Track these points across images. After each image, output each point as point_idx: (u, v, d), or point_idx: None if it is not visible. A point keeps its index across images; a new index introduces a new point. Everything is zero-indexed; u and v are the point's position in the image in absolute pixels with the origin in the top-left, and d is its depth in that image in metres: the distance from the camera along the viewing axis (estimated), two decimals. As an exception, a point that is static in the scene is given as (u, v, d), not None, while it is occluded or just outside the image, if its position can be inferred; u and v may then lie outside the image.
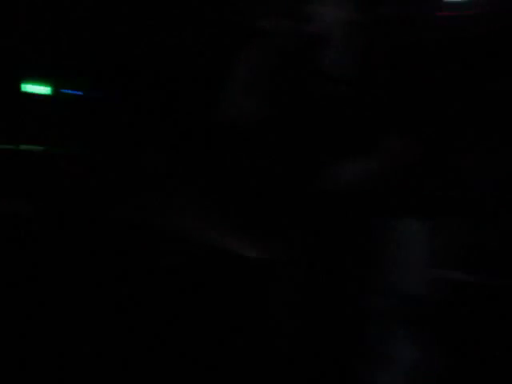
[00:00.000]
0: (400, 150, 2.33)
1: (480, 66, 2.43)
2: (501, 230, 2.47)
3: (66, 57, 2.75)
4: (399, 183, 2.37)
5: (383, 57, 2.21)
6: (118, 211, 2.55)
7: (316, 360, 2.35)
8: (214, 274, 2.47)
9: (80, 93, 2.81)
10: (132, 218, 2.53)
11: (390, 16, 2.04)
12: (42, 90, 2.77)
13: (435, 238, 2.51)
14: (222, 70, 2.28)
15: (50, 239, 2.64)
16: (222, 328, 2.42)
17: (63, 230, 2.64)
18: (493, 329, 2.43)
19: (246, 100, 2.04)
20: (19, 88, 2.69)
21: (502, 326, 2.43)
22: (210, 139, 2.32)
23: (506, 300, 2.45)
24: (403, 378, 2.40)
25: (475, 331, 2.43)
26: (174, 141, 2.57)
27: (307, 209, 2.27)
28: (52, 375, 2.44)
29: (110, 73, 2.75)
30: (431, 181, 2.48)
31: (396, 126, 2.28)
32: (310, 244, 2.35)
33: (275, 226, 2.37)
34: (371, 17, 2.04)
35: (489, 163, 2.50)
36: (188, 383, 2.42)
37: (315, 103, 2.19)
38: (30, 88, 2.74)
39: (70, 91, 2.83)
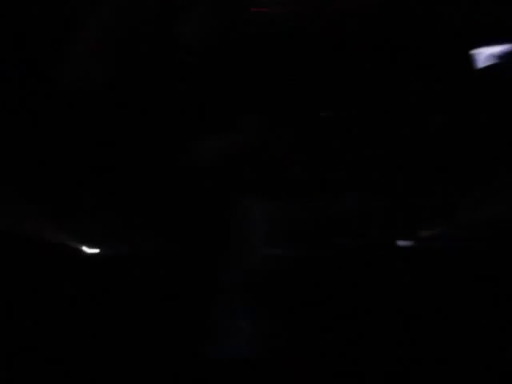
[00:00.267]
0: (254, 128, 2.42)
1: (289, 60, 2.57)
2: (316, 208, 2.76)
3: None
4: (252, 161, 2.46)
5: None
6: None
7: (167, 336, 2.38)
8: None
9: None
10: None
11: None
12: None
13: (272, 214, 2.65)
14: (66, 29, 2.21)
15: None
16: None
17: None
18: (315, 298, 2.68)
19: (92, 63, 1.99)
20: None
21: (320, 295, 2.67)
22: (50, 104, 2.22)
23: (323, 271, 2.70)
24: (243, 349, 2.51)
25: (303, 301, 2.63)
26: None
27: (166, 188, 2.30)
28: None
29: None
30: (278, 161, 2.66)
31: (252, 104, 2.37)
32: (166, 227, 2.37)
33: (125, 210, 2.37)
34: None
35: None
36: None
37: (170, 73, 2.20)
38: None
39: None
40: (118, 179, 2.39)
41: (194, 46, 2.26)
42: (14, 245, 2.38)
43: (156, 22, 2.20)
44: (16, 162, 2.39)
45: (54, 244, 2.36)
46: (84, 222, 2.42)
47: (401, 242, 2.75)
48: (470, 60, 2.77)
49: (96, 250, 2.40)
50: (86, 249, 2.45)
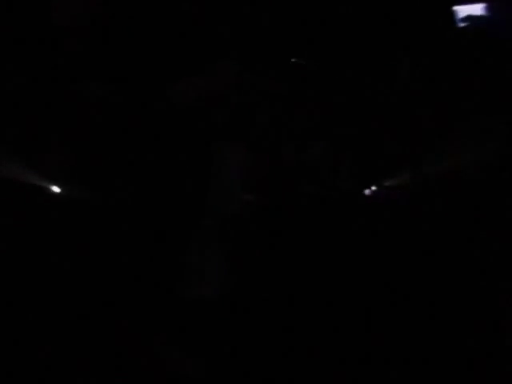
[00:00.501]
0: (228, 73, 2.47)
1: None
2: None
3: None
4: (225, 106, 2.50)
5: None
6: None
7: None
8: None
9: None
10: None
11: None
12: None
13: (245, 161, 2.76)
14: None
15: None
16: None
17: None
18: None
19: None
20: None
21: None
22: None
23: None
24: (216, 288, 2.64)
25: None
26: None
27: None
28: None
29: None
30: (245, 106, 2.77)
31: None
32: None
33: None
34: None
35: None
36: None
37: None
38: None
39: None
40: (93, 121, 2.47)
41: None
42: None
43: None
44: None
45: (21, 183, 2.44)
46: (52, 163, 2.52)
47: (365, 191, 2.81)
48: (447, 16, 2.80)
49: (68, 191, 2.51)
50: (55, 189, 2.53)
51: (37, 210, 2.51)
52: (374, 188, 2.82)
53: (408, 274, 2.63)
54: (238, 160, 2.75)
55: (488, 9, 2.87)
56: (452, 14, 2.87)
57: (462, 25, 2.87)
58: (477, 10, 2.89)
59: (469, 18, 2.86)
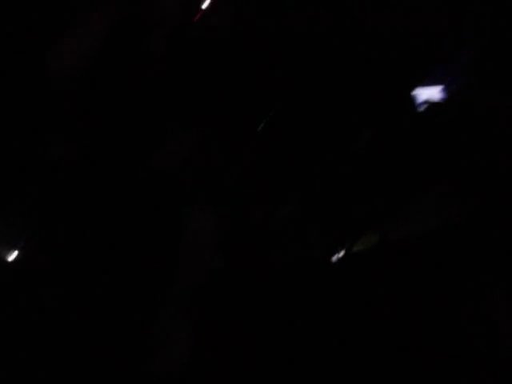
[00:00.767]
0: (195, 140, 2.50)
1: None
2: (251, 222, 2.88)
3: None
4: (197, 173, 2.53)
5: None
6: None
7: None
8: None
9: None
10: None
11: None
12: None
13: (217, 227, 2.76)
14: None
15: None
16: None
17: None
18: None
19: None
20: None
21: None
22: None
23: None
24: (180, 361, 2.53)
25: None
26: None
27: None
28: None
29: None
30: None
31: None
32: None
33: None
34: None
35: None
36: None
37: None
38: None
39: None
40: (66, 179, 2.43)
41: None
42: None
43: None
44: None
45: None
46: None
47: (333, 257, 2.82)
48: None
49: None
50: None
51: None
52: (341, 254, 2.82)
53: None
54: (206, 226, 2.74)
55: (444, 91, 3.09)
56: (412, 96, 3.09)
57: (421, 105, 3.07)
58: (435, 92, 3.11)
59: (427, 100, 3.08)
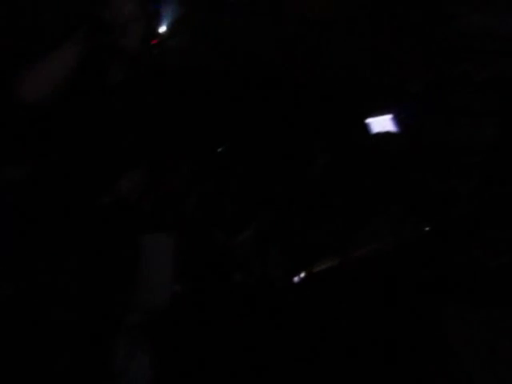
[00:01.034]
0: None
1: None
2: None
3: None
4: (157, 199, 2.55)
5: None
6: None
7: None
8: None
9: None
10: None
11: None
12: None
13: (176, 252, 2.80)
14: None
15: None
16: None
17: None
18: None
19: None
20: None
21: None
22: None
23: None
24: None
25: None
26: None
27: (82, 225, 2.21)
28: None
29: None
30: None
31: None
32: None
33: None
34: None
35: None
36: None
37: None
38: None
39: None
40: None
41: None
42: None
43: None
44: None
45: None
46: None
47: (295, 278, 2.88)
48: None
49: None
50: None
51: None
52: (303, 274, 2.89)
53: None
54: (165, 250, 2.74)
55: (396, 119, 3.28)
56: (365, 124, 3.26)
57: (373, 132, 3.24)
58: (386, 120, 3.30)
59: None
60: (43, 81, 1.98)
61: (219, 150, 3.01)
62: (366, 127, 3.23)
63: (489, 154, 2.73)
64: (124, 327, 2.49)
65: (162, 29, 3.58)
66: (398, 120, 3.23)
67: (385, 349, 2.56)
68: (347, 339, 2.67)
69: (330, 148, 3.09)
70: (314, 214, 2.97)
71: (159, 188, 2.77)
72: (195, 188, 2.92)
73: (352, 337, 2.67)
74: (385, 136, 3.16)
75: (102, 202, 2.26)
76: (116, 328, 2.41)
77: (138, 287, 2.46)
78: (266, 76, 3.21)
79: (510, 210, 2.72)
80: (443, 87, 3.05)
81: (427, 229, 2.79)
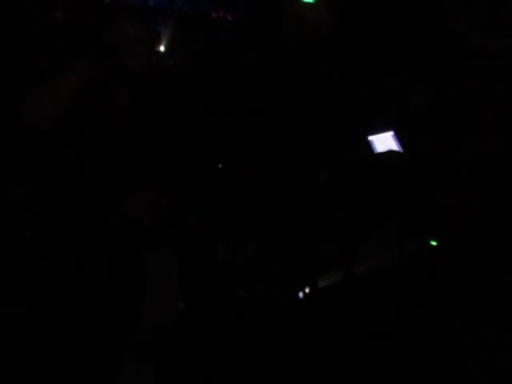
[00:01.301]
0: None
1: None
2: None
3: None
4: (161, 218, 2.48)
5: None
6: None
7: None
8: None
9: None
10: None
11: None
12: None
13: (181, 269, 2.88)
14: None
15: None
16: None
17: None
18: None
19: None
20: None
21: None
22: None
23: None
24: None
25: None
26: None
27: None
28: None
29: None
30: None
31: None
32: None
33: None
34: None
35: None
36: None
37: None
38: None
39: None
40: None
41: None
42: None
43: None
44: None
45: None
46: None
47: (299, 293, 2.89)
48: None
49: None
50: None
51: None
52: (307, 289, 2.90)
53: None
54: (170, 267, 2.74)
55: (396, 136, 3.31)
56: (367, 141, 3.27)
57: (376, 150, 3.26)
58: (388, 137, 3.33)
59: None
60: (50, 104, 2.00)
61: (221, 165, 3.04)
62: (367, 144, 3.26)
63: (493, 169, 2.76)
64: (129, 344, 2.44)
65: (161, 48, 3.63)
66: (399, 136, 3.26)
67: (391, 363, 2.57)
68: (352, 354, 2.68)
69: (331, 164, 3.12)
70: (318, 229, 2.99)
71: (163, 205, 2.75)
72: (197, 204, 2.92)
73: (357, 351, 2.68)
74: (387, 153, 3.18)
75: (109, 221, 2.26)
76: (122, 345, 2.38)
77: (143, 304, 2.44)
78: (266, 93, 3.25)
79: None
80: (444, 104, 3.09)
81: (432, 243, 2.81)
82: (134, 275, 2.40)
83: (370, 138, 3.28)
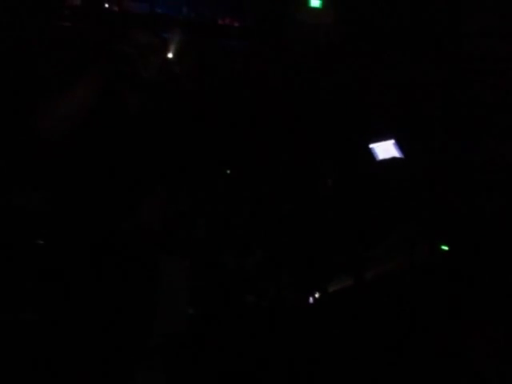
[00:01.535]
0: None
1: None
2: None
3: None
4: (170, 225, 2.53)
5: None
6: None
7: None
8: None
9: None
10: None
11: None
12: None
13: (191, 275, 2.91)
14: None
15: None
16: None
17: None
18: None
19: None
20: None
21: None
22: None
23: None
24: None
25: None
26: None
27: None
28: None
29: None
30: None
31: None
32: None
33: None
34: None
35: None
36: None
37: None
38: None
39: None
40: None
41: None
42: None
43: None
44: None
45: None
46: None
47: (309, 299, 2.89)
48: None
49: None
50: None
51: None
52: (317, 295, 2.90)
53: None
54: (181, 274, 2.78)
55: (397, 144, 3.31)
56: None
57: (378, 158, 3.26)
58: (389, 145, 3.33)
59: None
60: (63, 113, 2.02)
61: (228, 171, 3.05)
62: (369, 152, 3.26)
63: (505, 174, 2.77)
64: (142, 350, 2.43)
65: (169, 55, 3.64)
66: (400, 144, 3.26)
67: (401, 368, 2.56)
68: (362, 359, 2.67)
69: (339, 168, 3.13)
70: (327, 235, 3.00)
71: (174, 212, 2.77)
72: (205, 211, 2.94)
73: (367, 356, 2.67)
74: (391, 159, 3.19)
75: (123, 228, 2.27)
76: (135, 352, 2.37)
77: (156, 311, 2.44)
78: (273, 99, 3.26)
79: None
80: (456, 109, 3.09)
81: (443, 248, 2.81)
82: (147, 282, 2.40)
83: (372, 145, 3.28)
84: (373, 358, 2.66)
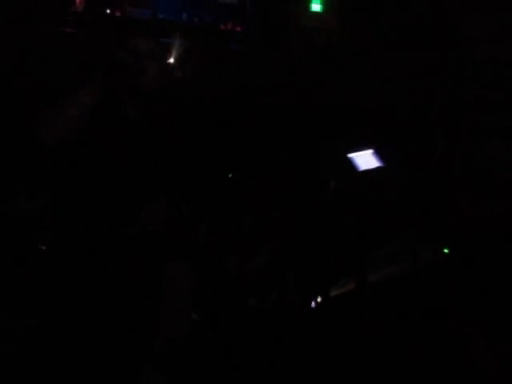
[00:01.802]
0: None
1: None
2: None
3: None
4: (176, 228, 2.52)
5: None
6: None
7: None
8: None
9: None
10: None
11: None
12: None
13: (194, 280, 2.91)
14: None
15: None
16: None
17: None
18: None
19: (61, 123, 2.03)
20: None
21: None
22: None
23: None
24: None
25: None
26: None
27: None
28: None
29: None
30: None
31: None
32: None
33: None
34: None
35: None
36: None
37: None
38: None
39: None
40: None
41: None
42: None
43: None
44: None
45: None
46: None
47: (311, 303, 2.89)
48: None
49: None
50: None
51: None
52: (319, 299, 2.91)
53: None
54: (185, 278, 2.70)
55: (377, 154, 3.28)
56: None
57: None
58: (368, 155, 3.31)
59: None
60: (63, 119, 2.04)
61: (231, 175, 3.06)
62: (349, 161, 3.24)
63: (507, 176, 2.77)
64: (146, 355, 2.46)
65: (171, 60, 3.66)
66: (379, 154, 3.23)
67: (404, 372, 2.56)
68: (365, 363, 2.68)
69: (340, 172, 3.14)
70: (330, 238, 3.00)
71: (176, 217, 2.78)
72: (207, 215, 2.95)
73: (370, 360, 2.67)
74: (378, 168, 3.18)
75: (127, 233, 2.29)
76: (139, 356, 2.41)
77: (159, 315, 2.48)
78: (274, 104, 3.28)
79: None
80: (458, 112, 3.09)
81: (445, 251, 2.81)
82: (150, 286, 2.42)
83: (351, 155, 3.24)
84: (375, 360, 2.67)
